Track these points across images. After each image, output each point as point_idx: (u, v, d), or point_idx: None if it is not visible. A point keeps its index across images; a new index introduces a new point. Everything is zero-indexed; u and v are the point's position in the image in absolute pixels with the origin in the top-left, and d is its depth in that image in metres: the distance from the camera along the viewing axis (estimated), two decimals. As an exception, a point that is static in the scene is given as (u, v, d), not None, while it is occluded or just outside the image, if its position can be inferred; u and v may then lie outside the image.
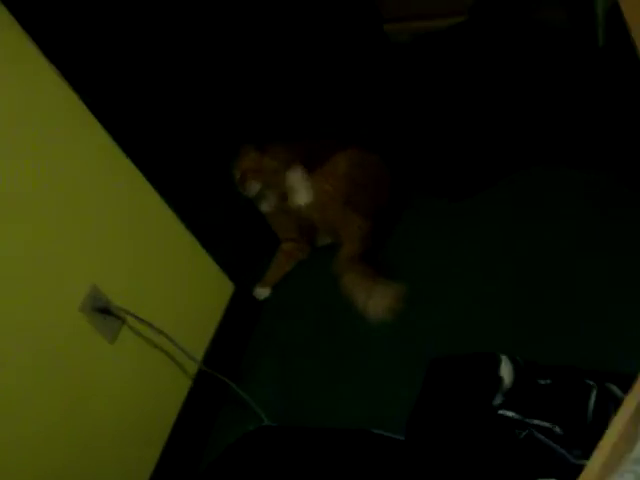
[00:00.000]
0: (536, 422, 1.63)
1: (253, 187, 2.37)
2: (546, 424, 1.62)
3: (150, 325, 1.89)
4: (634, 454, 1.13)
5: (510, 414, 1.66)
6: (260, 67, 3.30)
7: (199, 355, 2.12)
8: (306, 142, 2.49)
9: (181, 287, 2.13)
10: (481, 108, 2.28)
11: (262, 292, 2.46)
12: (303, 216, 2.40)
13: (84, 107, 1.88)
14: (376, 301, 2.15)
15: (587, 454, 1.15)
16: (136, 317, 1.88)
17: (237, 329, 2.29)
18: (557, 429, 1.61)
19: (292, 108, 3.04)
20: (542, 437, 1.60)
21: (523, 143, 2.22)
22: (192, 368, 2.09)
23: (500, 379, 1.70)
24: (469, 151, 2.29)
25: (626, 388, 1.18)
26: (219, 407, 2.16)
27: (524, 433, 1.62)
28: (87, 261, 1.86)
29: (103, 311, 1.84)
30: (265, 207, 2.43)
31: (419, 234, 2.32)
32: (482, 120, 2.27)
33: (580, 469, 1.12)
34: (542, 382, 1.70)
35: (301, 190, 2.35)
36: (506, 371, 1.71)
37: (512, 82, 2.23)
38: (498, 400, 1.68)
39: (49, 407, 1.77)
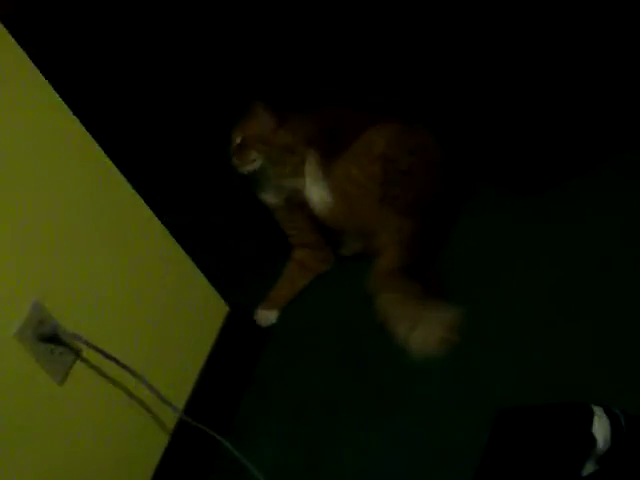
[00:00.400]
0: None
1: (253, 160, 2.07)
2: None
3: (115, 360, 1.68)
4: None
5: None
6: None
7: (180, 402, 1.91)
8: (331, 111, 2.18)
9: (157, 309, 1.91)
10: (564, 82, 2.01)
11: (266, 316, 2.15)
12: (322, 216, 2.11)
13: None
14: (424, 331, 1.85)
15: None
16: (95, 348, 1.66)
17: (232, 366, 2.06)
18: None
19: (314, 64, 2.81)
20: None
21: (613, 127, 2.00)
22: (171, 419, 1.88)
23: (593, 440, 1.46)
24: (548, 134, 2.04)
25: None
26: (206, 471, 1.92)
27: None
28: (30, 269, 1.64)
29: (50, 339, 1.63)
30: (270, 198, 2.15)
31: (482, 240, 2.05)
32: (565, 98, 2.01)
33: None
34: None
35: (316, 184, 2.06)
36: (601, 429, 1.47)
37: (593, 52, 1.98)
38: (589, 469, 1.47)
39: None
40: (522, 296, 1.88)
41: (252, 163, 2.08)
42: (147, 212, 1.88)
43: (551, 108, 2.04)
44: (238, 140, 2.09)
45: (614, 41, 1.98)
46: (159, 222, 1.90)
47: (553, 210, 2.02)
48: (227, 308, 2.06)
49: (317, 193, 2.09)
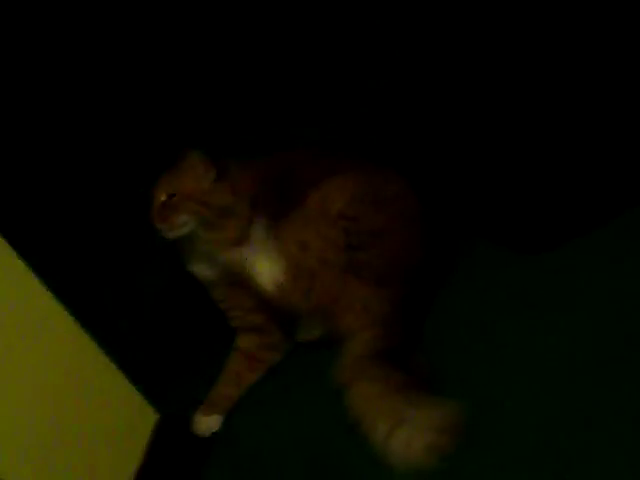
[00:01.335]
0: None
1: (183, 224, 1.84)
2: None
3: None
4: None
5: None
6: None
7: None
8: (283, 158, 1.99)
9: (63, 417, 1.72)
10: (570, 135, 1.88)
11: (207, 423, 1.93)
12: (273, 296, 1.90)
13: None
14: (407, 435, 1.60)
15: None
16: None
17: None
18: None
19: (261, 99, 2.51)
20: None
21: (629, 177, 1.86)
22: None
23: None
24: (555, 186, 1.90)
25: None
26: None
27: None
28: None
29: None
30: (204, 270, 1.93)
31: (479, 310, 1.85)
32: (571, 151, 1.87)
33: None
34: None
35: (264, 255, 1.86)
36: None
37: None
38: None
39: None
40: (531, 381, 1.64)
41: (181, 227, 1.85)
42: (56, 306, 1.76)
43: (556, 158, 1.91)
44: (163, 198, 1.87)
45: (617, 95, 1.88)
46: (67, 314, 1.76)
47: (562, 271, 1.84)
48: (156, 415, 1.88)
49: (265, 267, 1.88)
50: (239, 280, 1.91)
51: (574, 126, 1.89)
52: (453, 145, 2.03)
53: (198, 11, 2.80)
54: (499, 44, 1.96)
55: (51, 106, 2.90)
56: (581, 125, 1.88)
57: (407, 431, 1.59)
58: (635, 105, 1.87)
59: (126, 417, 1.84)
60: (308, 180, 1.91)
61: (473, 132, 1.98)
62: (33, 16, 2.98)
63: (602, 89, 1.88)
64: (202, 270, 1.94)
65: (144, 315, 2.29)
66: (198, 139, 2.08)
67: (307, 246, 1.84)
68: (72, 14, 2.92)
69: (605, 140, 1.87)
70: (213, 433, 1.92)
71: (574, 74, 1.90)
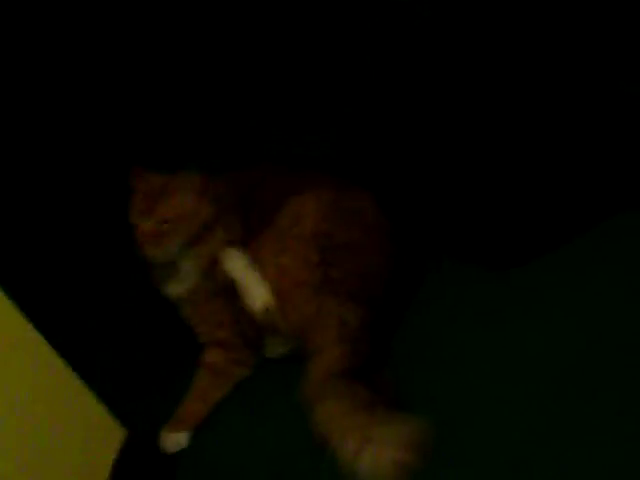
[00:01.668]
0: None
1: (176, 246, 1.82)
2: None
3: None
4: None
5: None
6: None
7: None
8: (246, 174, 1.97)
9: (28, 433, 1.68)
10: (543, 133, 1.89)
11: (174, 439, 1.90)
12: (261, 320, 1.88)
13: None
14: (374, 452, 1.58)
15: None
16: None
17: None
18: None
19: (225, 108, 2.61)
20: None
21: (602, 189, 1.87)
22: None
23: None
24: (522, 202, 1.91)
25: None
26: None
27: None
28: None
29: None
30: (175, 288, 1.90)
31: (447, 327, 1.84)
32: (545, 154, 1.89)
33: None
34: None
35: (254, 287, 1.84)
36: None
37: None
38: None
39: None
40: (499, 398, 1.64)
41: (174, 250, 1.84)
42: (23, 322, 1.72)
43: (523, 175, 1.93)
44: (151, 225, 1.81)
45: (592, 110, 1.92)
46: (34, 330, 1.73)
47: (530, 287, 1.83)
48: (123, 432, 1.84)
49: (256, 292, 1.86)
50: (211, 292, 1.89)
51: (539, 143, 1.88)
52: (420, 162, 2.00)
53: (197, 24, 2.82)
54: (471, 70, 1.97)
55: (33, 120, 2.90)
56: (546, 141, 1.87)
57: (375, 448, 1.56)
58: (600, 129, 1.86)
59: (93, 434, 1.80)
60: (273, 197, 1.88)
61: (439, 150, 1.96)
62: (32, 15, 3.00)
63: (568, 117, 1.88)
64: (172, 288, 1.91)
65: (112, 331, 2.27)
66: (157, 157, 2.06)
67: (285, 270, 1.82)
68: (71, 15, 2.94)
69: (572, 157, 1.86)
70: (179, 450, 1.87)
71: (541, 104, 1.90)
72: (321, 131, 2.37)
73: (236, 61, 2.81)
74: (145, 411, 1.94)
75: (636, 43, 1.94)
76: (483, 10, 2.07)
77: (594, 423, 1.50)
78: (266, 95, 2.66)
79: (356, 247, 1.83)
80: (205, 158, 2.27)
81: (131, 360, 2.17)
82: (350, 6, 2.63)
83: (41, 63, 3.07)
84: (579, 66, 1.92)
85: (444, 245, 1.99)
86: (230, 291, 1.88)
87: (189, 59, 2.90)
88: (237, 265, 1.84)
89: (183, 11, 3.01)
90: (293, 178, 1.93)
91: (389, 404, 1.64)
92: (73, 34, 3.08)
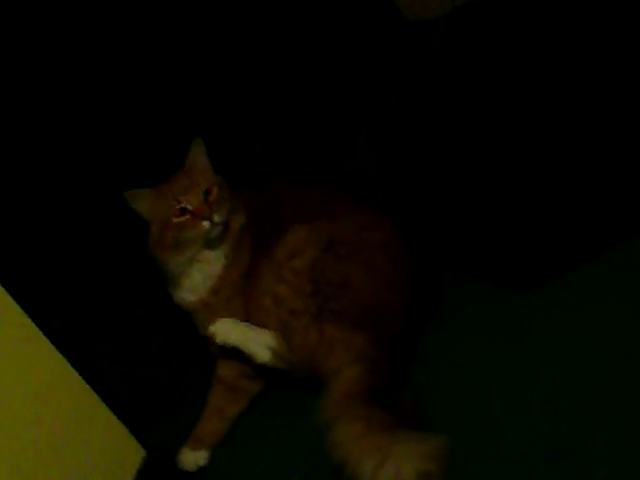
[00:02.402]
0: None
1: (225, 210, 1.84)
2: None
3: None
4: None
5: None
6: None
7: None
8: (264, 188, 1.97)
9: (48, 453, 1.68)
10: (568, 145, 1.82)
11: (193, 458, 1.88)
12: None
13: None
14: (395, 469, 1.53)
15: None
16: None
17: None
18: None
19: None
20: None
21: (623, 209, 1.82)
22: None
23: None
24: (543, 221, 1.86)
25: None
26: None
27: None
28: None
29: None
30: (189, 296, 1.90)
31: (467, 346, 1.81)
32: (564, 178, 1.83)
33: None
34: None
35: (255, 346, 1.83)
36: None
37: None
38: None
39: None
40: (518, 418, 1.60)
41: (226, 216, 1.84)
42: (43, 341, 1.73)
43: (544, 194, 1.87)
44: (201, 198, 1.83)
45: (599, 139, 1.85)
46: (54, 349, 1.74)
47: (551, 307, 1.80)
48: (142, 451, 1.84)
49: (258, 341, 1.85)
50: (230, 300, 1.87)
51: (561, 164, 1.85)
52: (440, 183, 1.98)
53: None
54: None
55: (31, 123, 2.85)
56: (568, 163, 1.85)
57: (394, 463, 1.53)
58: (620, 146, 1.82)
59: (112, 453, 1.79)
60: (287, 213, 1.88)
61: (459, 170, 1.94)
62: (31, 13, 2.95)
63: (582, 134, 1.83)
64: (188, 296, 1.90)
65: (132, 352, 2.25)
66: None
67: (281, 299, 1.80)
68: (71, 14, 2.89)
69: (593, 176, 1.83)
70: (198, 469, 1.86)
71: (566, 129, 1.85)
72: (343, 146, 2.36)
73: (258, 71, 2.77)
74: (164, 430, 1.94)
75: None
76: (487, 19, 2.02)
77: (613, 445, 1.47)
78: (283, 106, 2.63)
79: (356, 280, 1.80)
80: (225, 173, 2.25)
81: (150, 379, 2.16)
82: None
83: (41, 61, 3.04)
84: (604, 78, 1.88)
85: (464, 264, 1.97)
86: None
87: (205, 65, 2.87)
88: (231, 334, 1.84)
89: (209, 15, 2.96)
90: (308, 195, 1.92)
91: (409, 424, 1.61)
92: (74, 34, 3.04)
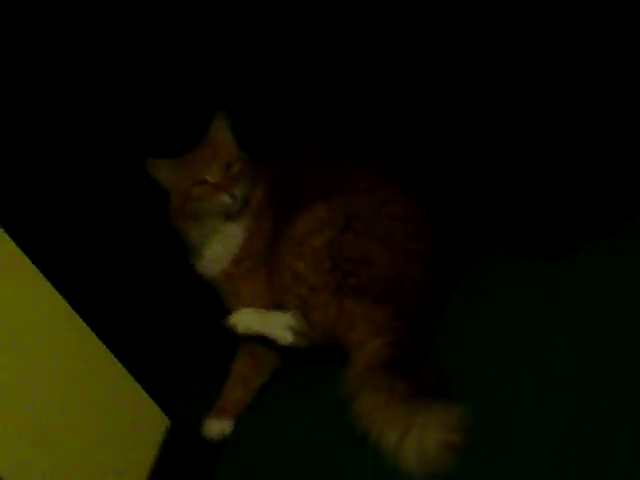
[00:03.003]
0: None
1: (246, 184, 1.85)
2: None
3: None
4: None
5: None
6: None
7: None
8: (289, 160, 1.96)
9: (74, 423, 1.70)
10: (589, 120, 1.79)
11: (217, 428, 1.87)
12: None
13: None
14: (419, 437, 1.53)
15: None
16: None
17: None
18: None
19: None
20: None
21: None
22: None
23: None
24: (570, 188, 1.83)
25: None
26: None
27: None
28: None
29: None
30: (212, 268, 1.90)
31: (488, 317, 1.78)
32: (589, 148, 1.80)
33: None
34: None
35: (276, 330, 1.83)
36: None
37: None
38: None
39: None
40: (544, 385, 1.59)
41: (247, 189, 1.84)
42: (69, 312, 1.74)
43: (569, 163, 1.85)
44: (222, 173, 1.83)
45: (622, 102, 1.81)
46: (80, 321, 1.74)
47: (576, 278, 1.78)
48: (167, 421, 1.84)
49: (279, 321, 1.85)
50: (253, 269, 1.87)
51: (586, 133, 1.82)
52: (467, 155, 1.95)
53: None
54: (504, 51, 1.88)
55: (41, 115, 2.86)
56: (593, 132, 1.81)
57: (418, 433, 1.52)
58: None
59: (137, 423, 1.81)
60: (308, 189, 1.86)
61: (486, 141, 1.91)
62: (30, 11, 2.93)
63: (607, 93, 1.80)
64: (209, 267, 1.90)
65: (156, 323, 2.26)
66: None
67: (300, 276, 1.79)
68: (70, 13, 2.87)
69: (619, 143, 1.80)
70: (223, 438, 1.86)
71: (579, 76, 1.82)
72: (363, 121, 2.32)
73: (285, 43, 2.75)
74: (189, 401, 1.93)
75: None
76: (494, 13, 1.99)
77: (633, 413, 1.46)
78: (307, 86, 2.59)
79: (375, 256, 1.78)
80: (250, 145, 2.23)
81: (176, 350, 2.16)
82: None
83: (41, 58, 3.04)
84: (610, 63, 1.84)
85: (487, 234, 1.94)
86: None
87: (235, 36, 2.85)
88: (250, 323, 1.84)
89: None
90: (330, 168, 1.90)
91: (431, 395, 1.60)
92: (74, 31, 3.03)
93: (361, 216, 1.78)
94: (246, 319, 1.83)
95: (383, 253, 1.77)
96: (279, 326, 1.81)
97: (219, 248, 1.87)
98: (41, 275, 1.65)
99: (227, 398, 1.89)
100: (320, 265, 1.76)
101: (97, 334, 1.74)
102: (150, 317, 2.28)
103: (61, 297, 1.69)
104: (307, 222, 1.80)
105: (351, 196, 1.82)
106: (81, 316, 1.72)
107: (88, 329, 1.72)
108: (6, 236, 1.61)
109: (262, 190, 1.86)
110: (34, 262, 1.64)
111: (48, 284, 1.67)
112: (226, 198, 1.80)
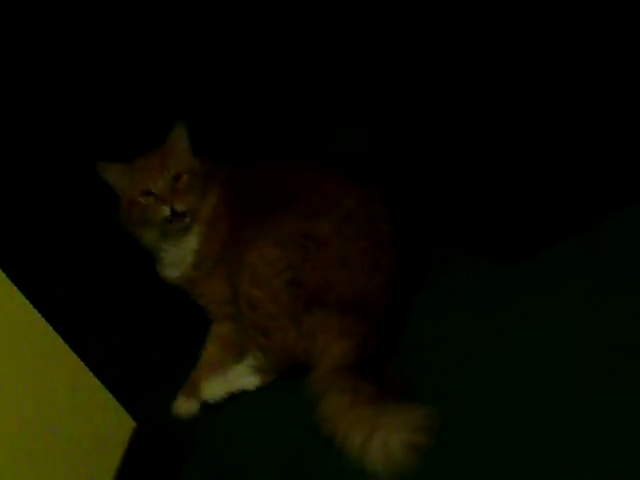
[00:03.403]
0: None
1: (194, 197, 1.84)
2: None
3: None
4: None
5: None
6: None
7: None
8: (249, 166, 1.93)
9: (39, 426, 1.67)
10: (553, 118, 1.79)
11: (185, 406, 1.88)
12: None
13: None
14: (384, 441, 1.52)
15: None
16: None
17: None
18: None
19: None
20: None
21: (609, 181, 1.81)
22: None
23: None
24: (531, 192, 1.84)
25: None
26: None
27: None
28: None
29: None
30: (176, 270, 1.91)
31: (454, 318, 1.79)
32: (552, 150, 1.80)
33: None
34: None
35: (242, 382, 1.84)
36: None
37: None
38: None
39: None
40: (505, 391, 1.60)
41: (196, 202, 1.83)
42: (33, 313, 1.70)
43: (533, 166, 1.85)
44: (168, 184, 1.81)
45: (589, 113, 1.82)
46: (44, 321, 1.71)
47: (540, 280, 1.80)
48: (133, 423, 1.82)
49: (244, 381, 1.86)
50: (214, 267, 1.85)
51: (549, 135, 1.82)
52: (431, 155, 1.95)
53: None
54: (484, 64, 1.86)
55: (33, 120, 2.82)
56: (555, 134, 1.82)
57: (383, 434, 1.53)
58: (607, 120, 1.79)
59: (103, 426, 1.79)
60: (276, 191, 1.84)
61: (450, 142, 1.91)
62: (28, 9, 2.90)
63: (574, 108, 1.80)
64: (170, 272, 1.90)
65: (122, 324, 2.25)
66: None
67: (257, 302, 1.77)
68: (70, 12, 2.84)
69: (581, 148, 1.81)
70: (190, 436, 1.85)
71: (552, 97, 1.81)
72: (334, 124, 2.26)
73: (255, 53, 2.73)
74: (155, 403, 1.92)
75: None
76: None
77: (601, 419, 1.47)
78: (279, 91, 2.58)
79: (336, 277, 1.75)
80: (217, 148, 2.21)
81: (142, 352, 2.14)
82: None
83: (41, 56, 3.00)
84: (583, 62, 1.84)
85: (452, 237, 1.94)
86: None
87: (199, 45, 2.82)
88: (217, 392, 1.84)
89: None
90: (293, 174, 1.87)
91: (395, 396, 1.60)
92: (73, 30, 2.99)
93: (319, 241, 1.75)
94: (211, 389, 1.84)
95: (343, 273, 1.75)
96: (242, 376, 1.82)
97: (175, 253, 1.87)
98: (5, 276, 1.62)
99: (197, 377, 1.89)
100: (278, 297, 1.74)
101: (61, 336, 1.71)
102: (116, 319, 2.27)
103: (22, 296, 1.67)
104: (263, 253, 1.76)
105: (310, 214, 1.78)
106: (44, 317, 1.70)
107: (52, 330, 1.71)
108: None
109: (217, 193, 1.84)
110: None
111: (12, 285, 1.64)
112: (167, 211, 1.78)
